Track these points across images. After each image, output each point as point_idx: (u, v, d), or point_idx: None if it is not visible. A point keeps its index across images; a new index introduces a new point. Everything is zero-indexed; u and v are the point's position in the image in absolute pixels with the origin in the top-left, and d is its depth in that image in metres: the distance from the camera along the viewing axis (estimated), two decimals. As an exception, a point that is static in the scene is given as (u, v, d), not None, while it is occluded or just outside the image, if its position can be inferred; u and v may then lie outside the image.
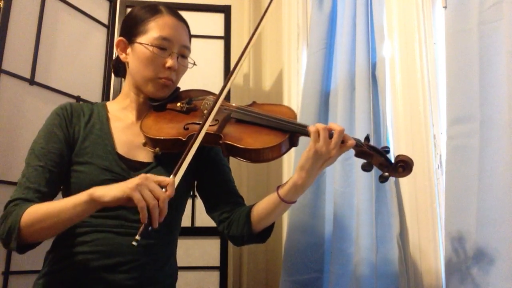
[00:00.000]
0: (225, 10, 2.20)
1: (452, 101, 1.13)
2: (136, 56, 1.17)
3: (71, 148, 1.13)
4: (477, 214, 1.02)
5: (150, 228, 0.89)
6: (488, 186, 1.02)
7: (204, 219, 1.96)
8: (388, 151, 1.07)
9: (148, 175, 0.92)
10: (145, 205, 0.88)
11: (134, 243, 0.86)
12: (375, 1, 1.47)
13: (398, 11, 1.42)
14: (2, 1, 1.63)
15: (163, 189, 0.92)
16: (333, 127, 1.01)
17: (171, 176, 0.95)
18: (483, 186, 1.02)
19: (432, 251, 1.22)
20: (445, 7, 1.18)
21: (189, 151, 1.00)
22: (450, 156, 1.12)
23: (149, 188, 0.89)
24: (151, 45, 1.15)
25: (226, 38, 2.16)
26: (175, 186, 0.94)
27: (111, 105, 1.24)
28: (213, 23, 2.17)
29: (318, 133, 1.00)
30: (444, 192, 1.14)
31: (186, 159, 0.99)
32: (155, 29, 1.16)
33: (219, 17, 2.19)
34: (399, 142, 1.36)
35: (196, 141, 1.03)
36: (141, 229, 0.88)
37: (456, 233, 1.07)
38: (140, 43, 1.16)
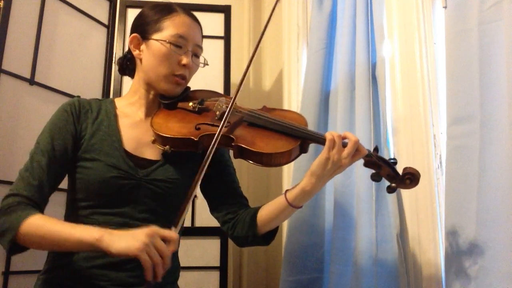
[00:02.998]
0: (225, 10, 2.20)
1: (452, 101, 1.13)
2: (151, 52, 1.17)
3: (77, 145, 1.13)
4: (477, 214, 1.02)
5: (154, 283, 0.90)
6: (488, 186, 1.02)
7: (204, 219, 1.97)
8: (395, 163, 1.08)
9: (155, 229, 0.92)
10: (151, 265, 0.89)
11: None
12: (375, 1, 1.47)
13: (398, 11, 1.42)
14: (2, 1, 1.63)
15: (167, 244, 0.92)
16: (348, 136, 1.03)
17: (172, 228, 0.95)
18: (483, 186, 1.02)
19: (432, 251, 1.22)
20: (445, 7, 1.18)
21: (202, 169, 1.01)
22: (450, 156, 1.12)
23: (156, 246, 0.90)
24: (168, 42, 1.16)
25: (226, 38, 2.16)
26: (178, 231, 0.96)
27: (119, 102, 1.24)
28: (213, 23, 2.17)
29: (333, 141, 1.02)
30: (444, 192, 1.14)
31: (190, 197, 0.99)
32: (171, 27, 1.17)
33: (219, 17, 2.19)
34: (399, 142, 1.36)
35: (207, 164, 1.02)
36: (146, 286, 0.90)
37: (456, 233, 1.07)
38: (156, 40, 1.16)
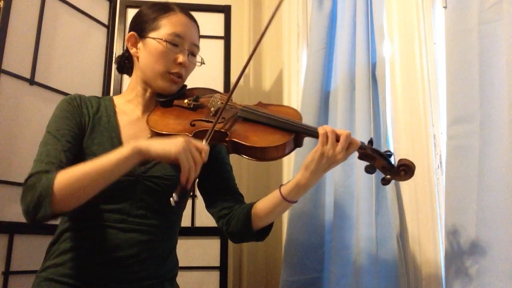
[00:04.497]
0: (225, 10, 2.20)
1: (452, 101, 1.13)
2: (148, 50, 1.19)
3: (82, 135, 1.14)
4: (477, 214, 1.02)
5: (183, 190, 0.98)
6: (488, 186, 1.02)
7: (204, 219, 1.97)
8: (390, 155, 1.08)
9: (189, 138, 0.99)
10: (188, 168, 0.96)
11: (172, 203, 0.97)
12: (375, 1, 1.47)
13: (398, 11, 1.42)
14: (2, 1, 1.63)
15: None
16: (340, 132, 1.03)
17: (204, 142, 1.02)
18: (483, 186, 1.02)
19: (432, 251, 1.22)
20: (445, 7, 1.18)
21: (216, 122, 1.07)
22: (450, 156, 1.12)
23: (191, 152, 0.97)
24: (164, 40, 1.17)
25: (226, 38, 2.16)
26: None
27: (117, 99, 1.26)
28: (213, 23, 2.17)
29: (326, 135, 1.03)
30: (444, 192, 1.14)
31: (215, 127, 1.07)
32: (168, 26, 1.18)
33: (219, 17, 2.19)
34: (399, 142, 1.36)
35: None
36: (178, 189, 0.98)
37: (456, 233, 1.07)
38: (153, 38, 1.18)
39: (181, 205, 0.95)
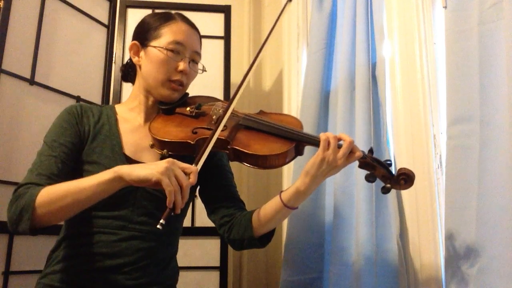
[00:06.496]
0: (225, 10, 2.20)
1: (452, 101, 1.13)
2: (149, 59, 1.19)
3: (81, 145, 1.14)
4: (477, 214, 1.02)
5: (172, 213, 0.92)
6: (488, 186, 1.02)
7: (204, 219, 1.95)
8: (390, 164, 1.09)
9: (175, 160, 0.95)
10: (173, 190, 0.90)
11: (159, 226, 0.88)
12: (375, 1, 1.47)
13: (398, 11, 1.42)
14: (2, 1, 1.63)
15: (187, 176, 0.94)
16: (343, 138, 1.04)
17: (193, 165, 0.97)
18: (483, 186, 1.02)
19: (432, 251, 1.22)
20: (445, 7, 1.18)
21: (210, 141, 1.03)
22: (450, 156, 1.12)
23: (175, 174, 0.92)
24: (165, 49, 1.18)
25: (226, 38, 2.16)
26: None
27: (119, 107, 1.27)
28: (213, 23, 2.17)
29: (328, 141, 1.03)
30: (444, 192, 1.14)
31: (207, 149, 1.02)
32: (169, 34, 1.19)
33: (219, 17, 2.19)
34: (399, 143, 1.36)
35: (216, 133, 1.05)
36: (165, 213, 0.90)
37: (456, 233, 1.07)
38: (154, 47, 1.19)
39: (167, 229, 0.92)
